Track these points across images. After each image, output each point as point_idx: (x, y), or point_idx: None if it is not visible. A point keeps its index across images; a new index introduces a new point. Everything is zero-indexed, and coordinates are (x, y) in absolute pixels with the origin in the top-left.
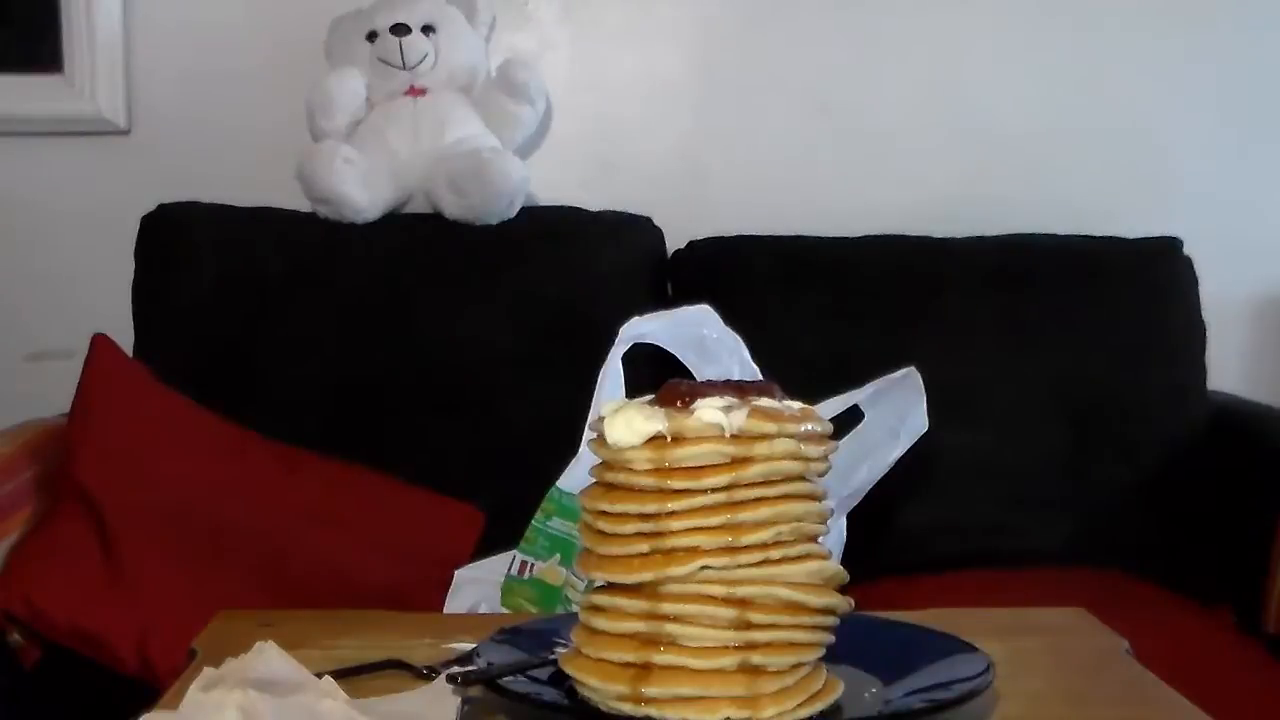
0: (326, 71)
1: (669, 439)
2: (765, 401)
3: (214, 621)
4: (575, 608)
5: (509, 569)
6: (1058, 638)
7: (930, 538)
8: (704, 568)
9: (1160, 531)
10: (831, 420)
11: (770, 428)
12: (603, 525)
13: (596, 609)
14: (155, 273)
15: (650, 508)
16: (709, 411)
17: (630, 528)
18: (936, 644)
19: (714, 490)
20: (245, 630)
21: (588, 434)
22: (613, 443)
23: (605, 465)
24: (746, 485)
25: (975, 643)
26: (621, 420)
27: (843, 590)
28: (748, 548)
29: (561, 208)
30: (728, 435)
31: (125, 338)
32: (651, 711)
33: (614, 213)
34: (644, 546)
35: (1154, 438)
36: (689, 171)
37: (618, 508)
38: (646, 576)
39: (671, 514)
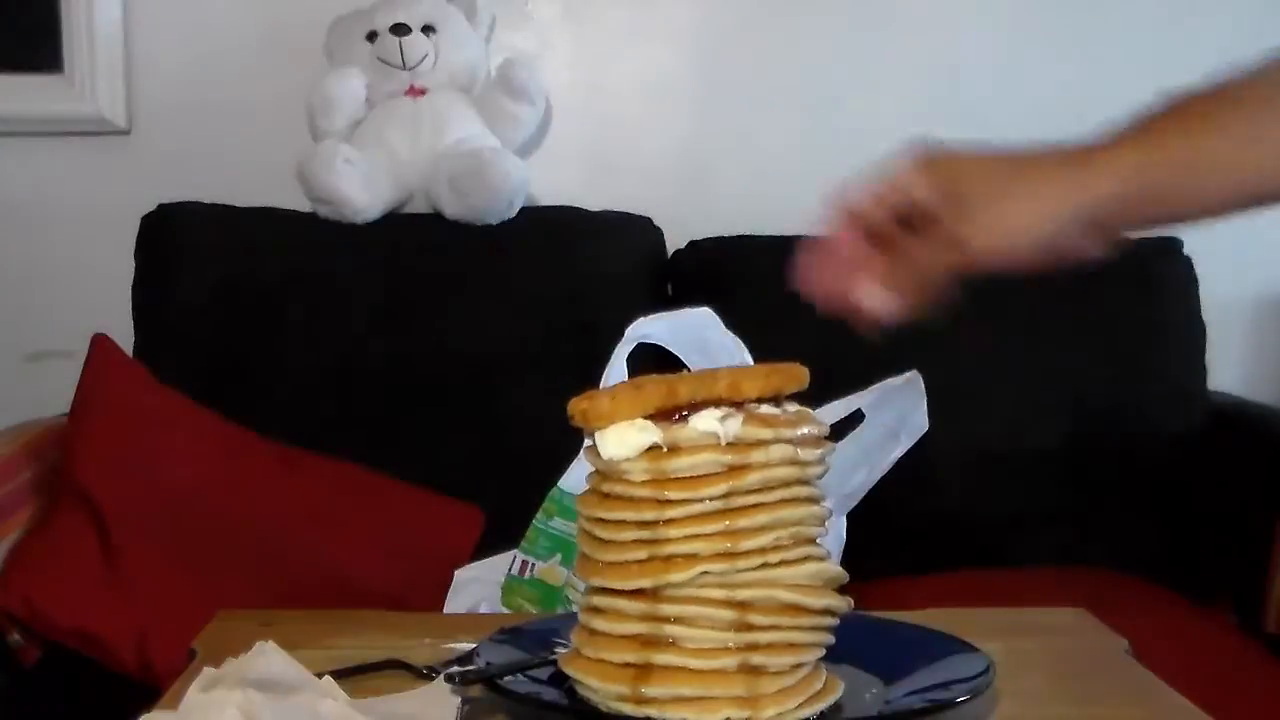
0: (326, 71)
1: (665, 449)
2: (761, 406)
3: (214, 621)
4: (575, 608)
5: (509, 569)
6: (1058, 638)
7: (930, 538)
8: (703, 573)
9: (1160, 531)
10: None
11: (766, 433)
12: (600, 532)
13: (596, 610)
14: (155, 273)
15: (648, 515)
16: (704, 420)
17: (628, 535)
18: (936, 644)
19: (711, 499)
20: (245, 630)
21: (587, 438)
22: (607, 458)
23: (601, 475)
24: (744, 492)
25: (975, 643)
26: (614, 435)
27: (842, 590)
28: (746, 553)
29: (561, 208)
30: (723, 443)
31: (125, 338)
32: (651, 712)
33: (614, 213)
34: (642, 553)
35: (1154, 438)
36: (689, 171)
37: (615, 515)
38: (645, 583)
39: (669, 521)
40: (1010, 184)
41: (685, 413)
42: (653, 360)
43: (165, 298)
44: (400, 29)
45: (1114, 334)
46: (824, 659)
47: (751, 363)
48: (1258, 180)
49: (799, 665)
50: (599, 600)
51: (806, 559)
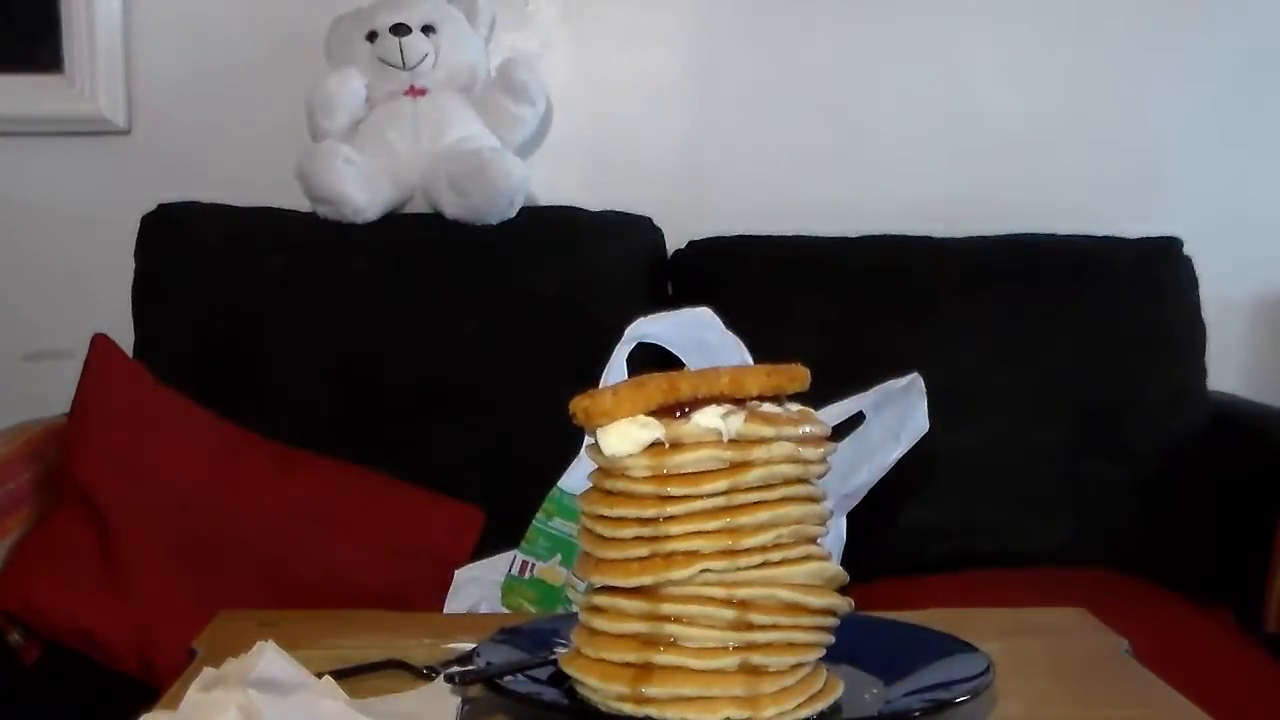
0: (327, 71)
1: (667, 445)
2: (763, 405)
3: (214, 621)
4: (575, 608)
5: (509, 569)
6: (1058, 638)
7: (930, 538)
8: (704, 570)
9: (1160, 531)
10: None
11: (768, 431)
12: (601, 529)
13: (596, 609)
14: (155, 273)
15: (649, 512)
16: (706, 416)
17: (629, 532)
18: (936, 644)
19: (713, 495)
20: (245, 630)
21: (588, 436)
22: (610, 454)
23: (603, 472)
24: (745, 489)
25: (975, 643)
26: (616, 431)
27: (843, 590)
28: (747, 550)
29: (561, 208)
30: (725, 440)
31: (125, 338)
32: (651, 711)
33: (614, 213)
34: (643, 550)
35: (1154, 438)
36: (689, 171)
37: (616, 512)
38: (646, 580)
39: (670, 518)
40: None
41: (687, 409)
42: (652, 360)
43: (165, 298)
44: (400, 29)
45: (1114, 334)
46: (824, 659)
47: (752, 362)
48: None
49: (799, 665)
50: (600, 599)
51: (807, 558)
